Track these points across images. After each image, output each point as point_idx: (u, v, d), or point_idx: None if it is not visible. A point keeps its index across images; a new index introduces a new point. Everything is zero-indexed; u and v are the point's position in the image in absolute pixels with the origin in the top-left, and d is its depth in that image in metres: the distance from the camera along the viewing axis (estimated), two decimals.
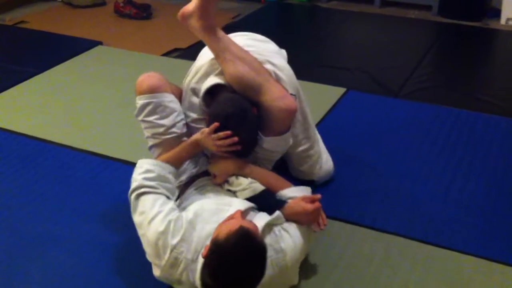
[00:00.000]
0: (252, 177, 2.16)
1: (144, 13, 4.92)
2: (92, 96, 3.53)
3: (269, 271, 1.81)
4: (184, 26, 2.27)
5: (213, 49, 2.21)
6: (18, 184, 2.67)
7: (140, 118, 2.20)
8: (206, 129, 2.07)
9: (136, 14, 4.91)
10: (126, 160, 2.83)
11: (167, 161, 2.09)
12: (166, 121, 2.17)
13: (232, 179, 2.16)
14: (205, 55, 2.32)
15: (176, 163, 2.12)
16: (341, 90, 3.50)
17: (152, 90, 2.17)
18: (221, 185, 2.18)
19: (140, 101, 2.19)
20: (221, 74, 2.19)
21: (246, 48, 2.24)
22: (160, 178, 2.02)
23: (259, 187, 2.12)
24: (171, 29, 4.68)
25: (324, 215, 2.33)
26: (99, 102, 3.45)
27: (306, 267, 2.13)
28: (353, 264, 2.17)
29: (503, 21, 4.75)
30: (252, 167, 2.19)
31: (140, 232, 1.95)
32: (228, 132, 2.02)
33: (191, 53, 4.15)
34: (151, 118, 2.17)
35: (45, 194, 2.59)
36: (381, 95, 3.49)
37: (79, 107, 3.39)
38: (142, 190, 1.97)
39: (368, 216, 2.41)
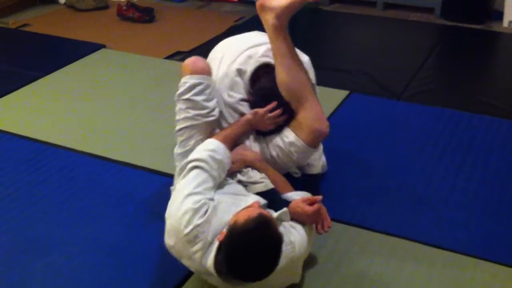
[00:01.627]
0: (264, 173, 2.20)
1: (147, 16, 4.93)
2: (95, 99, 3.54)
3: (281, 262, 1.83)
4: (260, 15, 2.27)
5: (275, 49, 2.26)
6: (21, 186, 2.67)
7: (186, 96, 2.20)
8: (260, 110, 2.20)
9: (139, 17, 4.92)
10: (128, 162, 2.84)
11: (223, 142, 2.12)
12: (211, 104, 2.22)
13: (247, 169, 2.20)
14: (241, 43, 2.40)
15: (229, 145, 2.16)
16: (344, 93, 3.51)
17: (205, 72, 2.24)
18: (233, 174, 2.19)
19: (191, 80, 2.21)
20: (264, 56, 2.31)
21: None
22: (221, 165, 2.04)
23: (270, 184, 2.16)
24: (174, 32, 4.70)
25: (328, 218, 2.34)
26: (102, 105, 3.45)
27: (309, 269, 2.13)
28: (356, 266, 2.17)
29: (505, 23, 4.75)
30: (266, 164, 2.24)
31: (174, 193, 1.96)
32: (280, 108, 2.19)
33: (193, 56, 4.16)
34: (198, 98, 2.20)
35: (47, 196, 2.60)
36: (383, 97, 3.50)
37: (82, 110, 3.40)
38: (202, 164, 1.98)
39: (370, 218, 2.41)
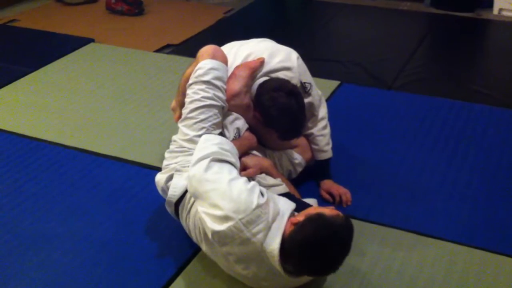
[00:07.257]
0: (280, 178, 2.23)
1: (136, 9, 4.91)
2: (84, 93, 3.51)
3: None
4: (230, 105, 2.25)
5: (253, 124, 2.32)
6: (11, 183, 2.66)
7: (206, 78, 2.17)
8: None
9: (128, 10, 4.89)
10: (119, 157, 2.83)
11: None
12: (223, 92, 2.22)
13: (263, 175, 2.20)
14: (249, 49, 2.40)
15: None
16: (335, 83, 3.50)
17: (224, 61, 2.27)
18: (252, 178, 2.17)
19: (212, 64, 2.20)
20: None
21: (253, 51, 2.36)
22: (233, 154, 2.03)
23: (286, 187, 2.19)
24: (163, 25, 4.68)
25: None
26: (92, 100, 3.43)
27: None
28: (349, 255, 2.16)
29: (495, 11, 4.75)
30: (277, 170, 2.31)
31: (209, 186, 1.87)
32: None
33: (183, 49, 4.15)
34: (217, 83, 2.19)
35: (39, 192, 2.58)
36: (374, 87, 3.49)
37: (71, 105, 3.37)
38: (219, 157, 1.96)
39: (362, 209, 2.41)
